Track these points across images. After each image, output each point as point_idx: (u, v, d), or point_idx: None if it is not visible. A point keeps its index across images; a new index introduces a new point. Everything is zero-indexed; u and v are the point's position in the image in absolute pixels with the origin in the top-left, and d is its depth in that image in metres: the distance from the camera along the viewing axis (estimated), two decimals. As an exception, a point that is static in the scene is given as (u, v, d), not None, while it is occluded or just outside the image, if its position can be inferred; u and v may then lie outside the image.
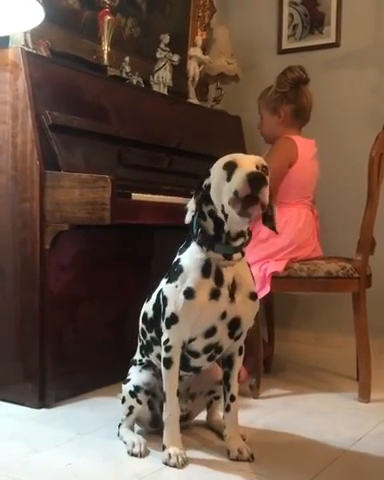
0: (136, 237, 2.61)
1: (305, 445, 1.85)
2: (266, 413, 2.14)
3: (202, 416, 1.97)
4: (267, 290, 2.27)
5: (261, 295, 2.26)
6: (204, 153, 2.88)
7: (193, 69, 3.15)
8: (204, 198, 1.63)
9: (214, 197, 1.60)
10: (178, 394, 1.70)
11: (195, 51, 3.17)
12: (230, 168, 1.55)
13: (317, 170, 2.57)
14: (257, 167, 1.55)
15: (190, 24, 3.40)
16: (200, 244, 1.65)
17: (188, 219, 1.64)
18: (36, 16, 2.08)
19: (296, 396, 2.36)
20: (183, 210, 1.66)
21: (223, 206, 1.57)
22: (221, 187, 1.56)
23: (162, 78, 2.99)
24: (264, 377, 2.47)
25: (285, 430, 1.96)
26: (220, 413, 1.87)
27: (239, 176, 1.51)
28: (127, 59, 2.83)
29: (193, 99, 3.17)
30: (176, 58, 3.02)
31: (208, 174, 1.64)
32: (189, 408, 1.87)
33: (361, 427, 1.99)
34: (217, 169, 1.60)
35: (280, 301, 3.09)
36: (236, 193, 1.51)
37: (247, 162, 1.55)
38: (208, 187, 1.62)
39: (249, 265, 1.75)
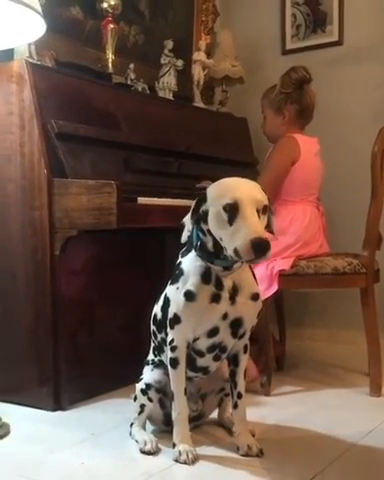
0: (147, 240, 2.65)
1: (315, 439, 1.88)
2: (277, 410, 2.17)
3: (214, 414, 2.01)
4: (275, 288, 2.30)
5: (269, 293, 2.30)
6: (213, 156, 2.92)
7: (198, 73, 3.19)
8: (202, 219, 1.63)
9: (213, 230, 1.59)
10: (186, 393, 1.74)
11: (199, 55, 3.20)
12: (231, 211, 1.53)
13: (321, 167, 2.60)
14: (258, 210, 1.54)
15: (194, 29, 3.44)
16: (200, 256, 1.67)
17: (184, 238, 1.65)
18: (38, 28, 2.13)
19: (308, 392, 2.38)
20: (180, 224, 1.67)
21: (222, 239, 1.57)
22: (223, 227, 1.55)
23: (167, 83, 3.02)
24: (277, 375, 2.50)
25: (296, 425, 1.99)
26: (230, 410, 1.89)
27: (242, 237, 1.49)
28: (132, 66, 2.87)
29: (199, 103, 3.21)
30: (180, 63, 3.05)
31: (204, 199, 1.62)
32: (200, 408, 1.90)
33: (371, 421, 2.00)
34: (215, 202, 1.58)
35: (293, 299, 3.11)
36: (237, 252, 1.51)
37: (249, 209, 1.52)
38: (205, 213, 1.61)
39: (251, 266, 1.77)
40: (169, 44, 3.06)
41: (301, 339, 3.20)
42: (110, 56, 2.82)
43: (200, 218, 1.63)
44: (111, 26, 2.81)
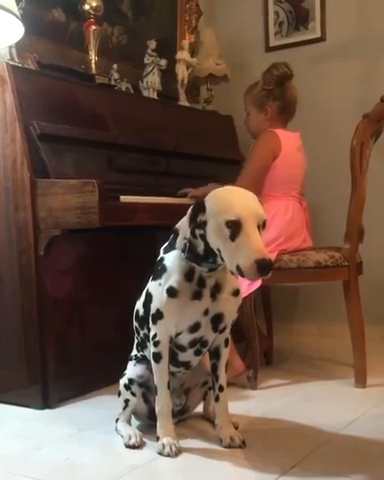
0: (138, 238, 2.66)
1: (298, 430, 1.90)
2: (263, 402, 2.19)
3: (198, 408, 2.03)
4: (259, 283, 2.31)
5: (253, 288, 2.32)
6: (200, 154, 2.95)
7: (182, 72, 3.21)
8: (198, 227, 1.62)
9: (212, 240, 1.59)
10: (169, 388, 1.76)
11: (182, 54, 3.22)
12: (234, 228, 1.53)
13: (303, 162, 2.62)
14: (258, 227, 1.55)
15: (177, 28, 3.46)
16: (188, 258, 1.67)
17: (180, 246, 1.65)
18: (17, 31, 2.15)
19: (294, 385, 2.40)
20: (173, 230, 1.68)
21: (220, 251, 1.57)
22: (225, 242, 1.55)
23: (151, 83, 3.04)
24: (265, 369, 2.53)
25: (280, 417, 2.01)
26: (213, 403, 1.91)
27: (247, 256, 1.50)
28: (115, 66, 2.89)
29: (184, 102, 3.23)
30: (164, 62, 3.07)
31: (202, 209, 1.61)
32: (183, 402, 1.92)
33: (354, 411, 2.02)
34: (216, 216, 1.57)
35: (283, 295, 3.14)
36: (240, 270, 1.52)
37: (251, 226, 1.53)
38: (203, 222, 1.60)
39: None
40: (152, 44, 3.08)
41: (291, 334, 3.22)
42: (93, 57, 2.84)
43: (196, 226, 1.62)
44: (93, 27, 2.83)
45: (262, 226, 1.58)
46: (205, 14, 3.58)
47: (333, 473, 1.57)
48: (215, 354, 1.81)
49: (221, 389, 1.80)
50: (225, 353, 1.81)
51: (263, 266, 1.49)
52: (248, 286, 2.30)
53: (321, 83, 3.27)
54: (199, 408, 2.03)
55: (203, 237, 1.62)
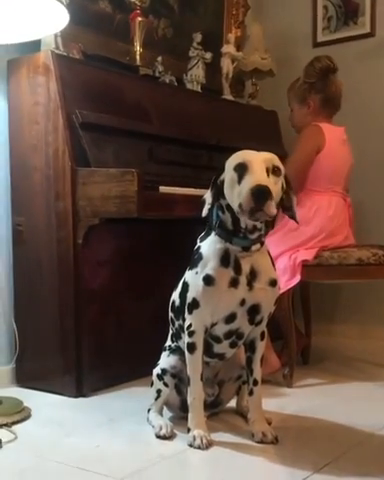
0: (176, 231, 2.64)
1: (332, 429, 1.85)
2: (298, 400, 2.15)
3: (232, 402, 2.00)
4: (297, 279, 2.27)
5: (291, 284, 2.27)
6: (243, 148, 2.91)
7: (226, 66, 3.18)
8: (220, 192, 1.64)
9: (227, 195, 1.61)
10: (202, 379, 1.74)
11: (228, 48, 3.19)
12: (240, 170, 1.55)
13: (349, 157, 2.56)
14: (267, 169, 1.54)
15: (224, 22, 3.43)
16: (219, 235, 1.68)
17: (205, 212, 1.67)
18: (61, 19, 2.15)
19: (332, 385, 2.35)
20: (200, 201, 1.69)
21: (234, 204, 1.58)
22: (233, 188, 1.57)
23: (195, 76, 3.02)
24: (301, 368, 2.49)
25: (315, 415, 1.96)
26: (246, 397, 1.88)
27: (245, 188, 1.51)
28: (160, 59, 2.88)
29: (228, 95, 3.20)
30: (208, 56, 3.05)
31: (223, 169, 1.64)
32: (216, 393, 1.89)
33: (393, 412, 1.97)
34: (229, 168, 1.60)
35: (324, 295, 3.08)
36: (240, 206, 1.53)
37: (257, 165, 1.54)
38: (223, 182, 1.63)
39: (269, 253, 1.76)
40: (198, 37, 3.06)
41: (331, 335, 3.15)
42: (138, 49, 2.82)
43: (219, 190, 1.64)
44: (139, 19, 2.81)
45: (272, 170, 1.56)
46: (253, 8, 3.54)
47: (367, 473, 1.52)
48: (250, 347, 1.78)
49: (255, 383, 1.77)
50: (260, 346, 1.78)
51: (257, 192, 1.49)
52: (287, 282, 2.26)
53: (369, 79, 3.19)
54: (232, 403, 2.00)
55: (228, 207, 1.63)
